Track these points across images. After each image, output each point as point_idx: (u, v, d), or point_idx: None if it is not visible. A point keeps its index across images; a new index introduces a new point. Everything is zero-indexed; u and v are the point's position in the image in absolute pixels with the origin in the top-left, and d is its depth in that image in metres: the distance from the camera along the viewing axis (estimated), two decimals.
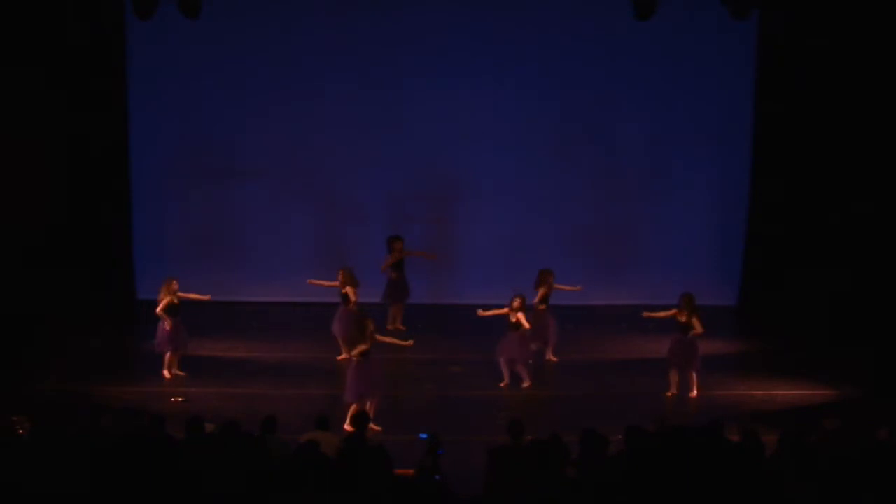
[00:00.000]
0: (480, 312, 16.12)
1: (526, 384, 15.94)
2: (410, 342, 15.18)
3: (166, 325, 16.00)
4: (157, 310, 16.00)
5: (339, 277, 16.97)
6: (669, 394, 15.70)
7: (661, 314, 16.02)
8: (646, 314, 16.25)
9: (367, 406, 14.22)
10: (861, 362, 16.79)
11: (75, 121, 18.83)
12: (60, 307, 18.28)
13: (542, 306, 16.88)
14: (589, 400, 15.49)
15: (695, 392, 15.66)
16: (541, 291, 16.88)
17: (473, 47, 19.53)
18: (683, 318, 15.64)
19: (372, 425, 13.85)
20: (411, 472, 10.49)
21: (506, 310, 15.98)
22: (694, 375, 15.69)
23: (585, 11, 19.32)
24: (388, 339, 15.10)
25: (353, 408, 14.14)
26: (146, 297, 19.83)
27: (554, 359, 17.13)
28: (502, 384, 15.97)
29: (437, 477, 10.26)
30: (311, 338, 17.41)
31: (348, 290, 16.85)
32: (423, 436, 13.71)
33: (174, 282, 16.09)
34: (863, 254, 18.70)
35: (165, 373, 16.06)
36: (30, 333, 17.22)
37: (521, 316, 15.85)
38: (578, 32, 19.53)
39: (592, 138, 19.94)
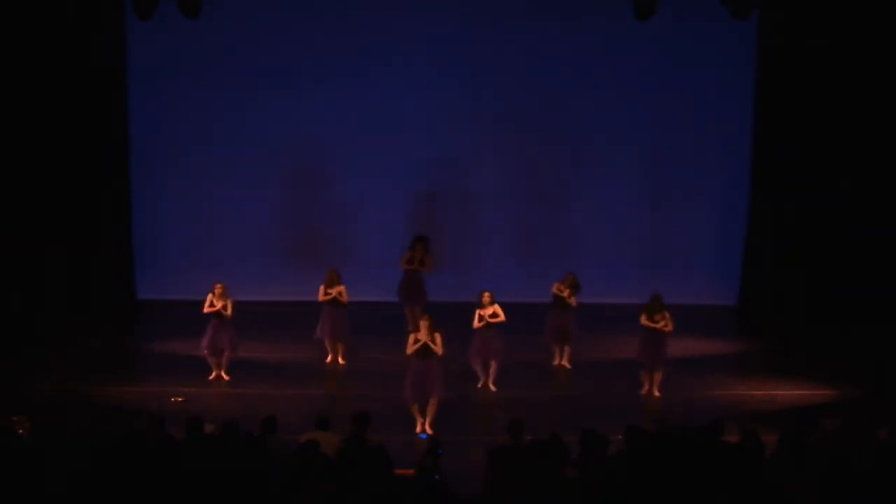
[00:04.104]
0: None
1: (481, 384, 15.93)
2: None
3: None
4: (230, 314, 16.10)
5: (326, 279, 16.84)
6: (643, 391, 15.78)
7: (653, 325, 15.86)
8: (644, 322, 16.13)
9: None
10: (861, 362, 16.80)
11: (75, 120, 18.80)
12: (60, 307, 18.27)
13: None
14: (589, 400, 15.50)
15: (652, 391, 15.69)
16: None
17: (472, 47, 19.52)
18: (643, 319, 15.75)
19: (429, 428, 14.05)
20: (411, 472, 10.49)
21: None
22: (658, 374, 15.70)
23: (585, 11, 19.32)
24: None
25: (433, 403, 14.23)
26: (146, 297, 19.92)
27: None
28: (488, 385, 15.93)
29: (437, 477, 10.25)
30: (310, 338, 17.36)
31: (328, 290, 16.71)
32: (423, 436, 13.76)
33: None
34: (863, 253, 18.69)
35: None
36: (30, 333, 17.22)
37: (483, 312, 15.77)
38: (578, 32, 19.53)
39: (591, 138, 19.93)
